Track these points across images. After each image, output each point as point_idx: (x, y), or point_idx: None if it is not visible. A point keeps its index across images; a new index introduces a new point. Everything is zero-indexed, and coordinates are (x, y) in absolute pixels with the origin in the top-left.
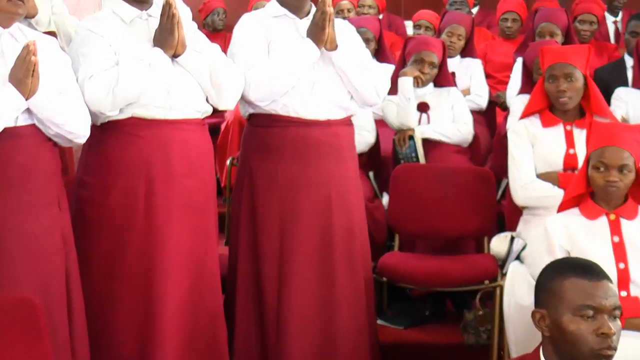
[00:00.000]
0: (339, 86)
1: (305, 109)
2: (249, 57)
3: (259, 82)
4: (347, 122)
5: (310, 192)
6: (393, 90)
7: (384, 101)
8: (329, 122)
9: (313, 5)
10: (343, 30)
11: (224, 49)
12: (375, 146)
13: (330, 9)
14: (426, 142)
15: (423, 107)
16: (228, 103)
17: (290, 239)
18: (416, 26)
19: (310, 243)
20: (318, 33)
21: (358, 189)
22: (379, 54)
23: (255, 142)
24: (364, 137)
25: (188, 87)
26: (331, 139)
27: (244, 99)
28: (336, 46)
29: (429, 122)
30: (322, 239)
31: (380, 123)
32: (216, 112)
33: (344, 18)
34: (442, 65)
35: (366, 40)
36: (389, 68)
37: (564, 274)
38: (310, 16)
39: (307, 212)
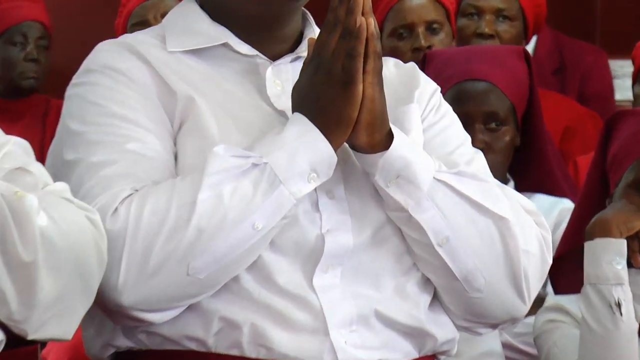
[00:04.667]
0: (396, 263)
1: (302, 339)
2: (118, 173)
3: (148, 250)
4: None
5: None
6: (569, 283)
7: (540, 314)
8: None
9: (315, 30)
10: (408, 92)
11: (42, 144)
12: None
13: (370, 22)
14: None
15: None
16: (48, 323)
17: None
18: None
19: None
20: (333, 96)
21: None
22: (528, 161)
23: None
24: None
25: None
26: None
27: (103, 304)
28: (389, 135)
29: None
30: None
31: None
32: (17, 346)
33: (417, 49)
34: None
35: (488, 118)
36: (561, 206)
37: None
38: (303, 52)
39: None
